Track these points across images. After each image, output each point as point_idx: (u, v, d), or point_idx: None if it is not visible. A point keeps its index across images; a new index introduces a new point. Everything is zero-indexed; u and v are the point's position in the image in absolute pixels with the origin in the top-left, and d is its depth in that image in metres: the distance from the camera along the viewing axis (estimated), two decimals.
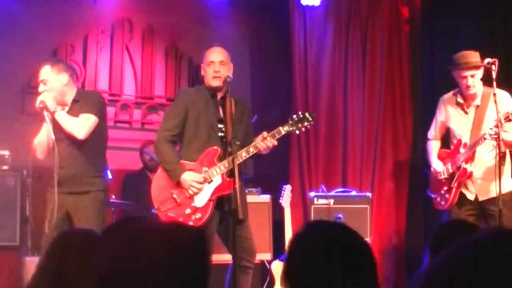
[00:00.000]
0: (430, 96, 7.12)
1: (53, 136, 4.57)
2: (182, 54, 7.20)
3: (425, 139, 7.03)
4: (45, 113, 4.62)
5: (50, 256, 2.44)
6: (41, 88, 4.74)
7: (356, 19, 7.03)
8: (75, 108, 4.78)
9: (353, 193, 6.47)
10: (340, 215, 6.07)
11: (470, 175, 5.20)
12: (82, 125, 4.70)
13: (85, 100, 4.82)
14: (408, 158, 7.00)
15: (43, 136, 4.74)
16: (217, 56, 4.75)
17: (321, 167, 6.86)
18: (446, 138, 5.59)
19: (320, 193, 6.30)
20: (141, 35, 7.07)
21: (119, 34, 6.98)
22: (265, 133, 4.70)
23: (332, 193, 6.36)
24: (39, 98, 4.67)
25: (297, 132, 4.87)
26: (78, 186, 4.73)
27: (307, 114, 4.84)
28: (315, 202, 6.22)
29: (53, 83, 4.73)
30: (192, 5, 7.05)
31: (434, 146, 5.57)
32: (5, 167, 5.87)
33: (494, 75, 4.97)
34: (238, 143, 4.59)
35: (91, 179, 4.78)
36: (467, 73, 5.15)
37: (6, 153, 5.89)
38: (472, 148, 5.16)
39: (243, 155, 4.64)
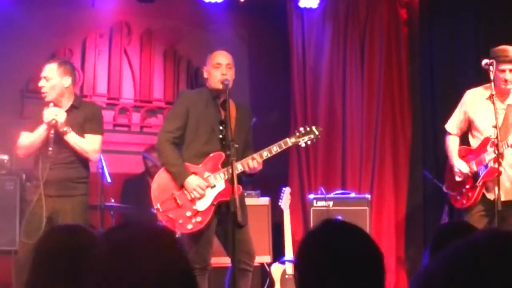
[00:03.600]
0: (429, 97, 7.13)
1: (50, 148, 4.66)
2: (181, 57, 7.20)
3: (423, 140, 7.08)
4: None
5: (40, 255, 2.42)
6: (41, 83, 4.79)
7: (354, 21, 7.03)
8: (74, 114, 4.83)
9: (352, 195, 6.46)
10: (340, 217, 6.07)
11: (499, 175, 5.11)
12: (95, 148, 4.87)
13: (90, 115, 4.90)
14: (407, 160, 6.99)
15: (36, 141, 4.76)
16: (225, 59, 4.76)
17: (320, 169, 6.87)
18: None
19: (319, 195, 6.29)
20: (140, 38, 7.07)
21: (117, 37, 6.99)
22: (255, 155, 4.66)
23: (331, 195, 6.35)
24: (52, 115, 4.67)
25: (303, 145, 4.88)
26: (66, 189, 4.81)
27: (314, 128, 4.86)
28: (314, 204, 6.22)
29: (55, 82, 4.78)
30: (191, 8, 7.06)
31: (454, 143, 5.41)
32: (4, 172, 5.88)
33: (492, 76, 4.96)
34: (237, 146, 4.58)
35: (77, 184, 4.87)
36: (507, 66, 5.10)
37: (5, 157, 5.90)
38: (500, 150, 5.06)
39: (239, 167, 4.62)
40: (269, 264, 5.92)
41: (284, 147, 4.73)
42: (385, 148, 6.95)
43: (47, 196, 4.70)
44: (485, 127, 5.19)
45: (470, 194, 5.22)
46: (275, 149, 4.69)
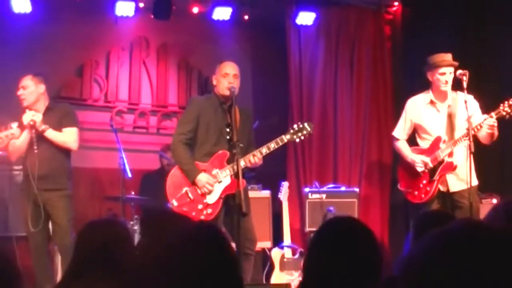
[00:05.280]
0: None
1: (35, 147, 4.77)
2: (192, 68, 7.21)
3: None
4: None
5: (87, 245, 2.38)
6: (20, 91, 4.95)
7: (345, 37, 7.03)
8: (49, 115, 4.96)
9: (343, 188, 6.46)
10: (332, 208, 6.07)
11: (455, 168, 5.09)
12: (73, 138, 4.97)
13: (63, 113, 5.04)
14: (390, 158, 6.97)
15: (22, 144, 4.89)
16: (232, 69, 4.77)
17: (315, 166, 6.86)
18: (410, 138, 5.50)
19: (314, 189, 6.30)
20: (157, 51, 7.08)
21: (137, 51, 7.00)
22: (256, 152, 4.68)
23: (324, 188, 6.35)
24: (30, 117, 4.81)
25: (297, 140, 4.85)
26: (53, 184, 4.89)
27: (306, 124, 4.83)
28: (310, 196, 6.22)
29: (32, 89, 4.95)
30: (201, 25, 7.06)
31: (405, 145, 5.40)
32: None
33: (465, 85, 4.94)
34: (242, 145, 4.59)
35: (60, 179, 4.96)
36: (447, 69, 5.10)
37: None
38: (455, 144, 5.06)
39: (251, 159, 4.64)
40: (270, 249, 5.93)
41: (280, 143, 4.71)
42: (372, 148, 6.95)
43: (38, 189, 4.79)
44: (434, 129, 5.19)
45: (428, 188, 5.16)
46: (272, 145, 4.68)
